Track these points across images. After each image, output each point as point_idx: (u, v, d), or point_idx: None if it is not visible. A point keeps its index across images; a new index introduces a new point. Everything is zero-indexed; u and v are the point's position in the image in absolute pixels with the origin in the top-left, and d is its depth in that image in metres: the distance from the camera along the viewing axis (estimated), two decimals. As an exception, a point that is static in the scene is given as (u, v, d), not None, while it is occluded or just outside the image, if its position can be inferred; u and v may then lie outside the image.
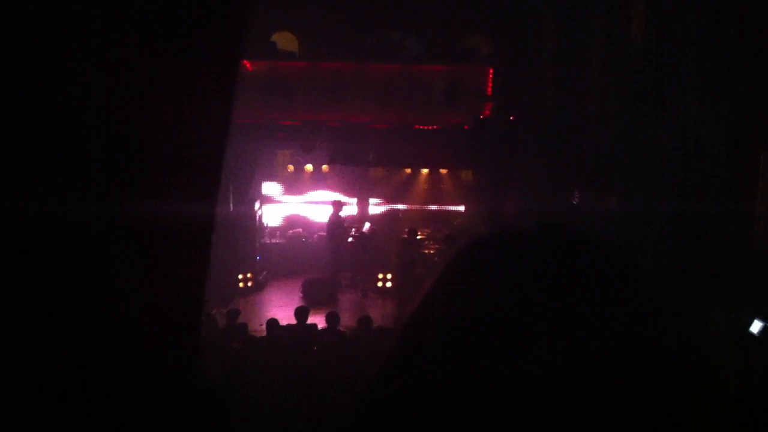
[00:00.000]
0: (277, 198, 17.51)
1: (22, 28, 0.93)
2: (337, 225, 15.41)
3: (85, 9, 0.95)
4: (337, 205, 15.84)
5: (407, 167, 17.74)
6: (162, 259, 1.03)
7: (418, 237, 15.37)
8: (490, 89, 13.92)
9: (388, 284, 14.51)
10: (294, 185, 17.75)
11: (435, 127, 14.29)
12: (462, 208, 17.92)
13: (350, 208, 17.22)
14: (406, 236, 14.08)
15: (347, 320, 9.33)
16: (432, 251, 15.51)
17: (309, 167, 17.56)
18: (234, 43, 1.13)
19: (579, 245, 0.80)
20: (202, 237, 1.09)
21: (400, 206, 18.05)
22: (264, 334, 8.86)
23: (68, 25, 0.94)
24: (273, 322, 8.88)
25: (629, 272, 0.78)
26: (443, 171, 17.82)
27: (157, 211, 0.99)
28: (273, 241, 16.73)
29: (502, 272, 0.77)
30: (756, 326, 7.85)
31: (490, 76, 13.92)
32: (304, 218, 17.58)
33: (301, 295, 13.26)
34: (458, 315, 0.75)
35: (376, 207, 18.13)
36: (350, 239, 16.26)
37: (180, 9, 1.02)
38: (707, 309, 8.20)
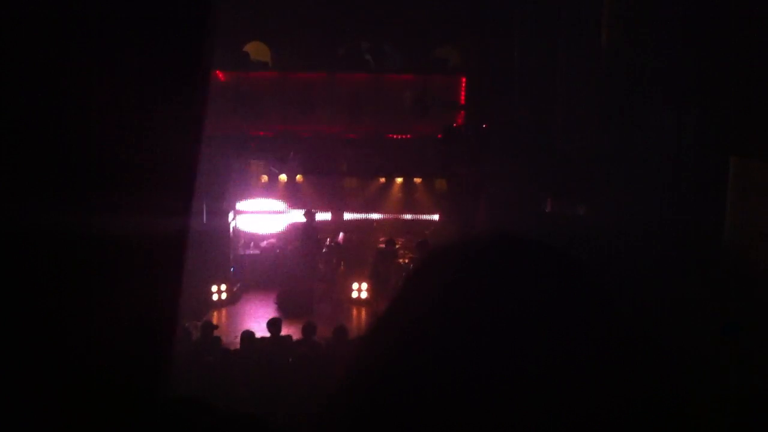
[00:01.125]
0: (251, 209, 17.42)
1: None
2: (310, 234, 15.37)
3: (53, 21, 0.93)
4: (309, 215, 15.80)
5: (381, 176, 17.78)
6: (134, 271, 1.01)
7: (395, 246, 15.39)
8: (462, 97, 13.99)
9: (364, 294, 14.47)
10: (268, 196, 17.69)
11: (408, 136, 14.33)
12: (436, 217, 17.98)
13: (324, 217, 17.21)
14: (383, 246, 14.01)
15: (323, 331, 9.28)
16: (406, 260, 15.52)
17: (283, 177, 17.53)
18: (202, 55, 1.11)
19: (534, 253, 0.82)
20: (176, 248, 1.07)
21: (375, 215, 18.06)
22: (238, 347, 8.79)
23: (38, 38, 0.92)
24: (248, 335, 8.82)
25: (584, 279, 0.80)
26: (417, 180, 17.89)
27: (129, 223, 0.98)
28: (247, 252, 16.62)
29: (462, 282, 0.79)
30: (723, 330, 7.94)
31: (462, 84, 13.99)
32: (279, 228, 17.50)
33: (276, 306, 13.18)
34: (422, 321, 0.77)
35: (350, 216, 18.13)
36: (324, 249, 16.22)
37: (147, 20, 1.00)
38: (678, 314, 8.28)
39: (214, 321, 12.92)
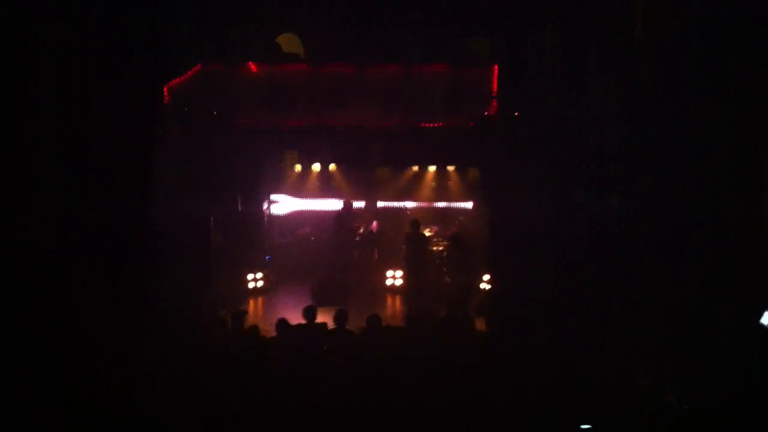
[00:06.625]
0: (285, 198, 17.64)
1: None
2: (344, 223, 15.50)
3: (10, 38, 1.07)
4: (347, 205, 15.97)
5: (413, 165, 17.85)
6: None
7: (427, 234, 15.44)
8: (495, 87, 13.90)
9: (398, 282, 14.62)
10: (302, 185, 17.89)
11: (440, 124, 14.30)
12: (470, 205, 17.99)
13: (358, 206, 17.35)
14: (409, 230, 14.01)
15: (356, 319, 9.41)
16: (440, 248, 15.61)
17: (316, 167, 17.71)
18: (155, 68, 1.25)
19: None
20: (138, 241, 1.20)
21: (408, 204, 18.16)
22: (274, 334, 8.96)
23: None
24: (283, 323, 8.98)
25: None
26: (450, 168, 17.92)
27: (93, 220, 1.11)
28: (282, 240, 16.85)
29: None
30: (767, 318, 7.87)
31: (495, 73, 13.92)
32: (313, 217, 17.69)
33: (310, 294, 13.37)
34: None
35: (383, 205, 18.23)
36: (358, 238, 16.37)
37: (104, 36, 1.14)
38: (714, 303, 8.23)
39: (250, 309, 13.18)
